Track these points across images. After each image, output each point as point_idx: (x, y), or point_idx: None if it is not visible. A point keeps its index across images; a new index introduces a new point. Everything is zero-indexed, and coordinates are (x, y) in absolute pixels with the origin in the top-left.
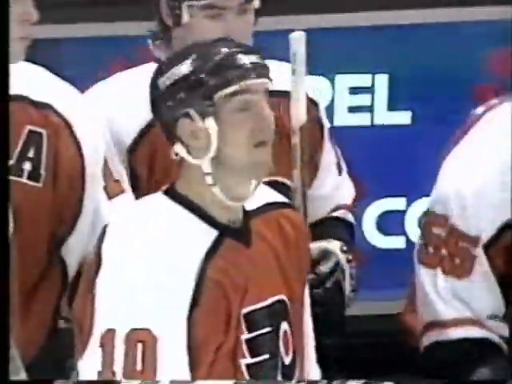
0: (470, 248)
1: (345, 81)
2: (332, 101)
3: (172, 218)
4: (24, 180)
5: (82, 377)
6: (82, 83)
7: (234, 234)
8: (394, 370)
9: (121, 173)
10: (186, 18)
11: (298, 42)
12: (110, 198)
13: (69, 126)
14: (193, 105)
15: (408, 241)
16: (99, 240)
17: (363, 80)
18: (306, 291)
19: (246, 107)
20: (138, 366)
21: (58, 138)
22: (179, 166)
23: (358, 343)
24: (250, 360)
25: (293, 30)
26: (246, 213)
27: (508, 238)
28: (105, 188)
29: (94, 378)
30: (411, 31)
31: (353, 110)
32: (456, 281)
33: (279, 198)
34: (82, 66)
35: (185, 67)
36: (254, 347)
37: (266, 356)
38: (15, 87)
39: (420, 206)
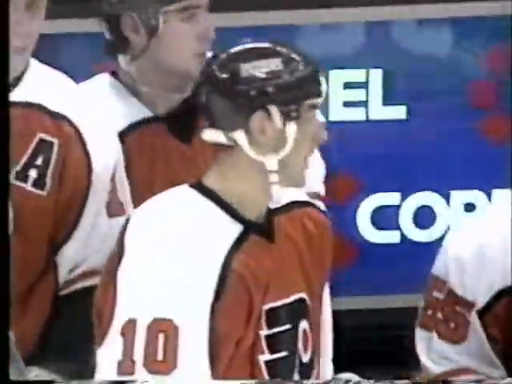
0: (465, 313)
1: (339, 76)
2: (327, 96)
3: (198, 210)
4: (28, 187)
5: (101, 366)
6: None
7: (258, 230)
8: (388, 363)
9: (126, 193)
10: (161, 26)
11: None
12: (110, 216)
13: (81, 138)
14: (277, 103)
15: (402, 235)
16: (122, 230)
17: (358, 75)
18: (327, 290)
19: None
20: (159, 357)
21: (69, 150)
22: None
23: (351, 337)
24: (268, 356)
25: (291, 26)
26: (270, 210)
27: (504, 305)
28: (108, 204)
29: (114, 367)
30: (406, 26)
31: (348, 104)
32: (450, 346)
33: (304, 196)
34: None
35: (276, 64)
36: (272, 344)
37: (285, 353)
38: (33, 94)
39: (414, 200)
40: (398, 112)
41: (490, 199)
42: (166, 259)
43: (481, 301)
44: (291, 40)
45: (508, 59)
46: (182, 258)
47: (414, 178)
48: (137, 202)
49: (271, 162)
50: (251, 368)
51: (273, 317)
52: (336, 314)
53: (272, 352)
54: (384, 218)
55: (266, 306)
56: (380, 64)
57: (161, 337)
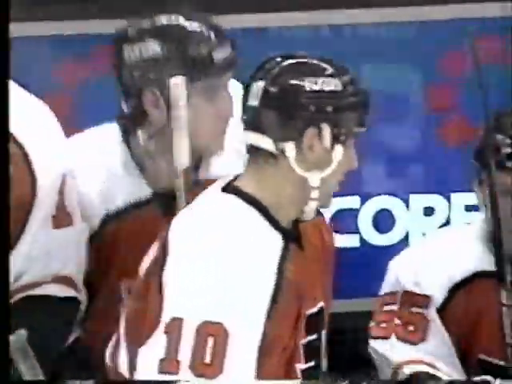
0: (423, 312)
1: None
2: None
3: (243, 216)
4: None
5: (142, 365)
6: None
7: (293, 237)
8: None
9: (74, 204)
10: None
11: (177, 87)
12: (56, 227)
13: (26, 155)
14: (331, 124)
15: (362, 239)
16: (163, 233)
17: None
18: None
19: None
20: (207, 360)
21: (14, 167)
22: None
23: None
24: (303, 365)
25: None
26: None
27: (460, 300)
28: (54, 216)
29: (155, 364)
30: (362, 30)
31: None
32: (412, 346)
33: None
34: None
35: (336, 84)
36: (306, 352)
37: (313, 363)
38: None
39: (374, 204)
40: None
41: (449, 203)
42: (217, 264)
43: (438, 296)
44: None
45: (464, 62)
46: (234, 264)
47: (373, 181)
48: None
49: (314, 178)
50: (289, 376)
51: (308, 325)
52: None
53: (306, 361)
54: (343, 221)
55: (307, 314)
56: None
57: (210, 340)
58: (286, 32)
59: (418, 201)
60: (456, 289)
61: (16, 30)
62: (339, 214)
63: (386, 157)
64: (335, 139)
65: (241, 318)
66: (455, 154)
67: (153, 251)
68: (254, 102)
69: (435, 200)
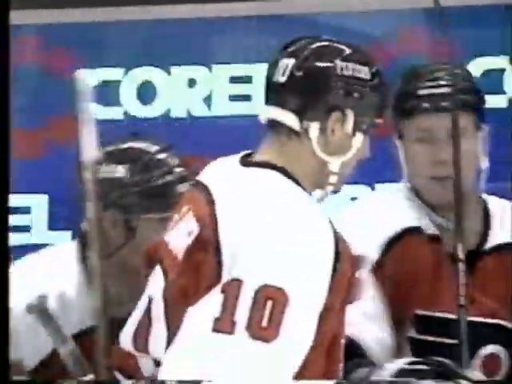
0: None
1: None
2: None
3: (285, 187)
4: None
5: (192, 323)
6: None
7: None
8: None
9: None
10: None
11: (82, 80)
12: None
13: None
14: (356, 111)
15: None
16: (206, 202)
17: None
18: None
19: None
20: (264, 323)
21: None
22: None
23: None
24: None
25: None
26: None
27: (394, 256)
28: None
29: (209, 322)
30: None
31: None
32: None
33: None
34: None
35: (365, 72)
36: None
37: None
38: None
39: None
40: None
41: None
42: (278, 230)
43: (371, 255)
44: None
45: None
46: (295, 231)
47: None
48: None
49: (335, 163)
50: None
51: None
52: None
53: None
54: None
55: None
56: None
57: (268, 303)
58: None
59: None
60: (389, 246)
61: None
62: None
63: None
64: (357, 126)
65: (302, 285)
66: (378, 145)
67: (184, 227)
68: (281, 78)
69: (360, 190)
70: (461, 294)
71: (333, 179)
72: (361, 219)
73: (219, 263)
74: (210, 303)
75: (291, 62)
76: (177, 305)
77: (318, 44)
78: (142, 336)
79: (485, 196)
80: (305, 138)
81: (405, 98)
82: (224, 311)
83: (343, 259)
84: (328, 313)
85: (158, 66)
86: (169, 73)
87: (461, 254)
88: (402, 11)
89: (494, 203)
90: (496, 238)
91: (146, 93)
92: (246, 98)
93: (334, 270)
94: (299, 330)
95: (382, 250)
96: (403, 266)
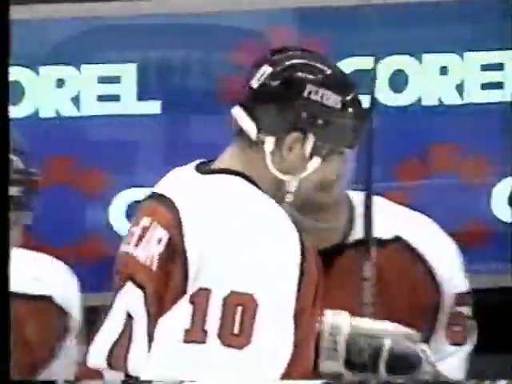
0: None
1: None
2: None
3: (250, 192)
4: None
5: (164, 335)
6: None
7: None
8: None
9: None
10: None
11: None
12: None
13: None
14: (317, 136)
15: None
16: (169, 211)
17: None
18: None
19: None
20: (235, 330)
21: None
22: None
23: None
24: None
25: None
26: None
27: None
28: None
29: (179, 334)
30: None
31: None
32: None
33: None
34: None
35: (336, 101)
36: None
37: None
38: None
39: None
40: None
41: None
42: (243, 235)
43: None
44: None
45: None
46: (259, 235)
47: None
48: None
49: (291, 183)
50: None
51: None
52: None
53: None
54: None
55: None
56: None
57: (239, 310)
58: None
59: None
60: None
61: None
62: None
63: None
64: (316, 151)
65: (270, 290)
66: None
67: (152, 237)
68: (255, 83)
69: None
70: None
71: (289, 197)
72: None
73: (185, 272)
74: (180, 314)
75: (268, 70)
76: (160, 316)
77: (299, 60)
78: (120, 353)
79: (349, 192)
80: (261, 150)
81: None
82: (194, 322)
83: (310, 261)
84: (299, 315)
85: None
86: (37, 73)
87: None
88: (272, 10)
89: (358, 198)
90: (358, 233)
91: (14, 93)
92: (115, 98)
93: (302, 272)
94: (273, 335)
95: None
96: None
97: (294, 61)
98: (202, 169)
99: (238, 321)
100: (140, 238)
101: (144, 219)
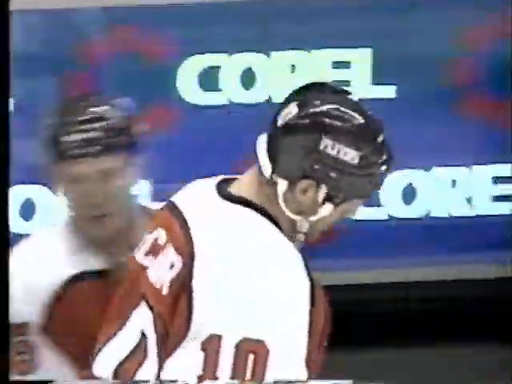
0: None
1: None
2: None
3: (265, 228)
4: None
5: (178, 374)
6: None
7: None
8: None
9: None
10: None
11: None
12: None
13: None
14: (330, 187)
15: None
16: (185, 237)
17: None
18: None
19: None
20: (247, 377)
21: None
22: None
23: None
24: None
25: None
26: None
27: None
28: None
29: (193, 379)
30: None
31: None
32: None
33: None
34: None
35: (352, 157)
36: None
37: None
38: None
39: None
40: None
41: None
42: (253, 278)
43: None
44: None
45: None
46: (269, 276)
47: None
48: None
49: (303, 223)
50: None
51: None
52: None
53: None
54: None
55: None
56: None
57: (250, 357)
58: None
59: None
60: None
61: None
62: None
63: None
64: (329, 199)
65: (281, 335)
66: None
67: (165, 260)
68: (280, 121)
69: None
70: None
71: (300, 237)
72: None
73: (190, 308)
74: (191, 360)
75: (294, 111)
76: (167, 339)
77: (329, 106)
78: (129, 370)
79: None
80: (275, 188)
81: (52, 144)
82: (206, 368)
83: (318, 304)
84: (308, 359)
85: None
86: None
87: None
88: (119, 9)
89: None
90: None
91: None
92: None
93: (311, 315)
94: (293, 376)
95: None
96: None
97: (321, 106)
98: (223, 191)
99: (250, 368)
100: (153, 252)
101: (160, 231)
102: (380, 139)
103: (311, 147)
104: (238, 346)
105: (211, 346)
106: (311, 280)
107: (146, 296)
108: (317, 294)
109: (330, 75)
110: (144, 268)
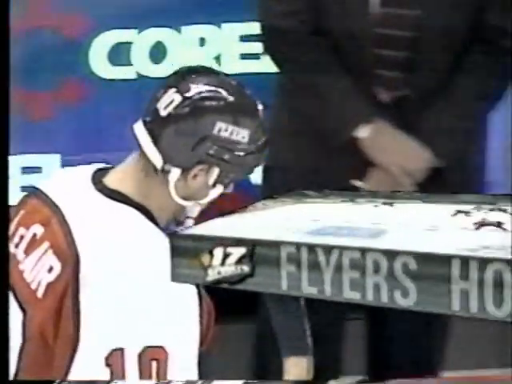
0: None
1: None
2: None
3: (147, 230)
4: None
5: None
6: None
7: None
8: None
9: None
10: None
11: None
12: None
13: None
14: (222, 169)
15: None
16: (65, 237)
17: None
18: None
19: None
20: (152, 382)
21: None
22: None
23: None
24: None
25: None
26: None
27: None
28: None
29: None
30: None
31: None
32: None
33: None
34: None
35: (243, 136)
36: None
37: None
38: None
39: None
40: None
41: None
42: (135, 287)
43: None
44: None
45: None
46: (156, 281)
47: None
48: None
49: (194, 209)
50: None
51: None
52: None
53: None
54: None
55: None
56: None
57: (154, 364)
58: None
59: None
60: None
61: None
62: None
63: None
64: (220, 180)
65: (178, 335)
66: None
67: (43, 261)
68: (163, 111)
69: None
70: None
71: (189, 223)
72: None
73: (77, 314)
74: (97, 377)
75: (177, 99)
76: (36, 345)
77: (210, 88)
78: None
79: None
80: (164, 177)
81: None
82: (113, 382)
83: (205, 308)
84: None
85: None
86: None
87: None
88: None
89: None
90: None
91: None
92: None
93: (201, 316)
94: (187, 377)
95: None
96: None
97: (203, 90)
98: (99, 183)
99: (155, 375)
100: (29, 247)
101: (36, 227)
102: (260, 113)
103: (204, 133)
104: (140, 356)
105: (115, 359)
106: (198, 288)
107: (17, 292)
108: (202, 295)
109: (239, 48)
110: (18, 264)
